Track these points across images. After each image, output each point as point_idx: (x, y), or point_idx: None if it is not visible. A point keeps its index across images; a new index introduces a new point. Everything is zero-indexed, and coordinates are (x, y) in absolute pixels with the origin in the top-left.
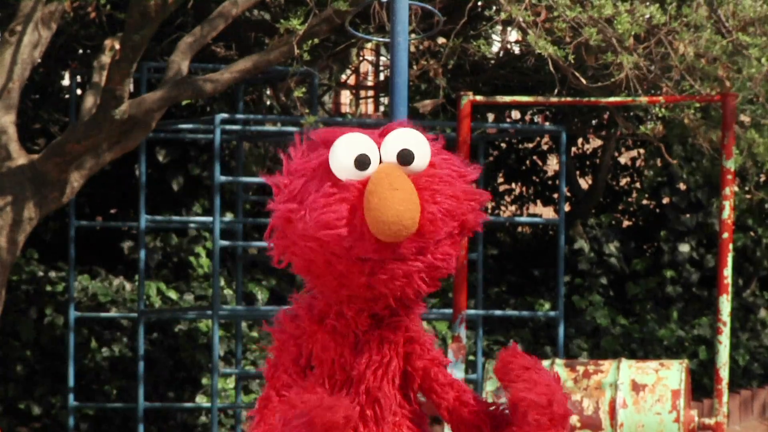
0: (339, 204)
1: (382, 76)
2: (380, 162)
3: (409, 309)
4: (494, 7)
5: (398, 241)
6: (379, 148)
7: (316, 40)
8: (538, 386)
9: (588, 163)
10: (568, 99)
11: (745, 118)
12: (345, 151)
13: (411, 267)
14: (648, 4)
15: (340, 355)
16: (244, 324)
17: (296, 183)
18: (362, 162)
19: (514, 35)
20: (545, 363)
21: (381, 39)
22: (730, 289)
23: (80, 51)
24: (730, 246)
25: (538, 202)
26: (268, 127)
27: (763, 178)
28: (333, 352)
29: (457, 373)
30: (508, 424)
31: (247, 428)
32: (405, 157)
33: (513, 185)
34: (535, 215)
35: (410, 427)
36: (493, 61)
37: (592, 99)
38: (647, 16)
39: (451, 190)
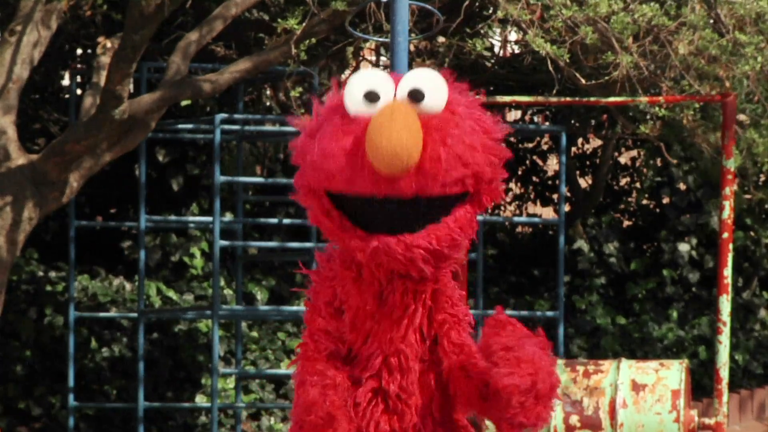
0: (344, 136)
1: None
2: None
3: (426, 277)
4: (491, 8)
5: (395, 174)
6: (396, 87)
7: (314, 40)
8: (521, 366)
9: (588, 163)
10: (568, 99)
11: (744, 118)
12: (357, 86)
13: (413, 253)
14: (645, 3)
15: (364, 302)
16: (244, 324)
17: (316, 121)
18: (371, 97)
19: (513, 35)
20: None
21: (381, 39)
22: (730, 289)
23: (80, 51)
24: (730, 246)
25: (538, 202)
26: (268, 127)
27: (762, 178)
28: (357, 300)
29: None
30: (495, 396)
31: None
32: (415, 95)
33: (513, 185)
34: (534, 215)
35: (436, 375)
36: (491, 61)
37: (592, 99)
38: (646, 15)
39: (468, 138)
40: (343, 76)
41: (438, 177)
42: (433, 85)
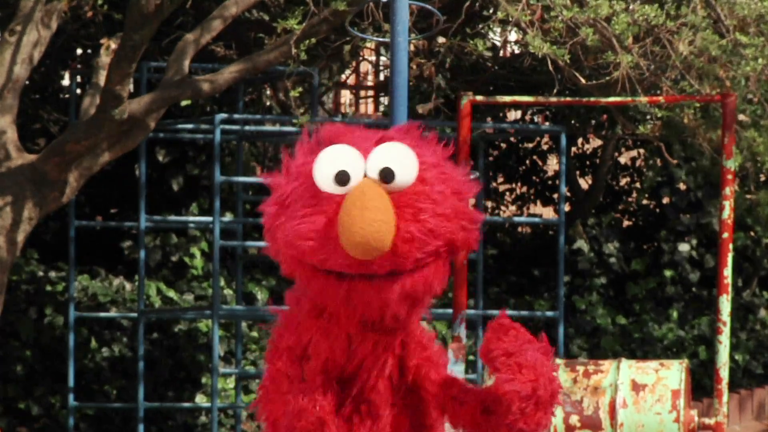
0: (316, 216)
1: (382, 76)
2: (365, 176)
3: (401, 321)
4: (491, 9)
5: (369, 258)
6: (365, 161)
7: (314, 40)
8: (522, 372)
9: (588, 163)
10: (568, 99)
11: (744, 118)
12: (327, 166)
13: (388, 295)
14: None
15: (332, 353)
16: (244, 324)
17: (286, 186)
18: (342, 179)
19: (513, 35)
20: None
21: (381, 39)
22: (730, 289)
23: (80, 51)
24: (730, 246)
25: (538, 202)
26: (268, 127)
27: (763, 177)
28: (325, 351)
29: (457, 372)
30: (497, 406)
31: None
32: (385, 175)
33: (513, 185)
34: (535, 215)
35: (411, 417)
36: (491, 61)
37: (592, 99)
38: (646, 15)
39: (439, 207)
40: (343, 76)
41: (412, 255)
42: (403, 162)
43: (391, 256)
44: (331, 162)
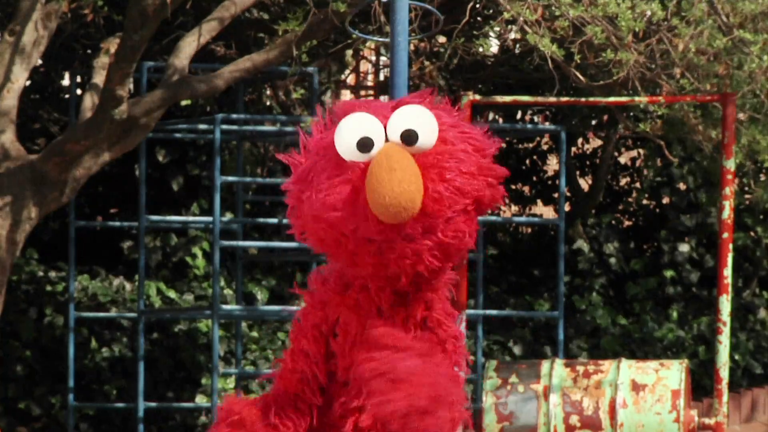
0: (342, 185)
1: (382, 76)
2: (386, 141)
3: (434, 283)
4: (492, 9)
5: (401, 221)
6: (385, 128)
7: (314, 41)
8: (397, 390)
9: (588, 163)
10: (568, 99)
11: (744, 116)
12: (348, 134)
13: (420, 246)
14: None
15: (362, 329)
16: (244, 324)
17: (308, 162)
18: (365, 144)
19: (513, 34)
20: (545, 363)
21: (381, 39)
22: (730, 289)
23: (80, 51)
24: (730, 246)
25: (539, 202)
26: (268, 127)
27: (762, 177)
28: (355, 326)
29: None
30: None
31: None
32: (408, 138)
33: (513, 185)
34: (535, 215)
35: None
36: (492, 60)
37: (592, 99)
38: (648, 13)
39: (464, 166)
40: (343, 76)
41: (442, 215)
42: (424, 123)
43: (422, 217)
44: (352, 130)
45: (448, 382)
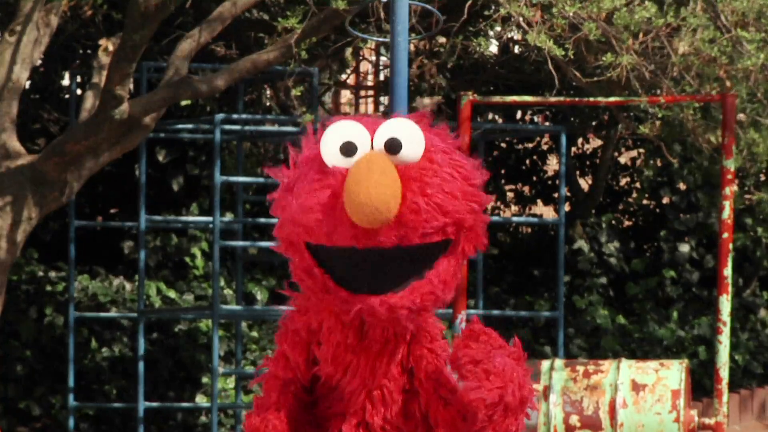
0: (322, 190)
1: (382, 76)
2: (372, 149)
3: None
4: (493, 7)
5: (374, 226)
6: (372, 137)
7: (314, 40)
8: (489, 380)
9: (588, 163)
10: (568, 99)
11: (743, 117)
12: (333, 137)
13: (398, 314)
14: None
15: (345, 337)
16: (244, 324)
17: (293, 174)
18: (348, 149)
19: (512, 33)
20: (545, 363)
21: (381, 39)
22: (730, 289)
23: (80, 51)
24: (730, 246)
25: (539, 202)
26: (268, 127)
27: (762, 177)
28: (339, 336)
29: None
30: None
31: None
32: (392, 146)
33: (513, 185)
34: (535, 215)
35: (419, 404)
36: (492, 61)
37: (592, 99)
38: (649, 12)
39: (447, 186)
40: (343, 76)
41: (418, 227)
42: (410, 135)
43: (398, 226)
44: (337, 133)
45: (532, 389)
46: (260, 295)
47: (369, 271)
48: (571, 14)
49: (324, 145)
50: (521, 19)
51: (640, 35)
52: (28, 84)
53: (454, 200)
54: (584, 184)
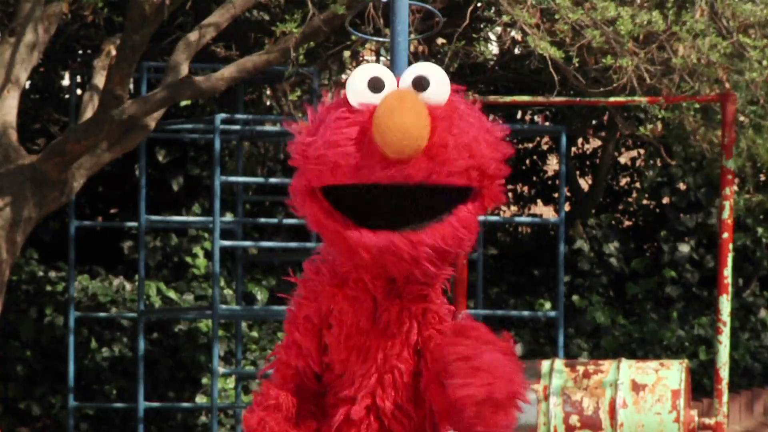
0: (350, 126)
1: None
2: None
3: (431, 277)
4: (494, 9)
5: (404, 157)
6: (398, 82)
7: (313, 43)
8: (477, 376)
9: (588, 163)
10: (568, 99)
11: (744, 119)
12: (360, 75)
13: (419, 252)
14: (648, 8)
15: (358, 320)
16: (244, 324)
17: (317, 116)
18: (376, 85)
19: (513, 34)
20: (545, 363)
21: (381, 39)
22: (730, 289)
23: (80, 51)
24: (730, 246)
25: (539, 202)
26: (268, 127)
27: (762, 178)
28: (351, 317)
29: None
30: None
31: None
32: (419, 83)
33: (513, 185)
34: (535, 215)
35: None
36: (492, 62)
37: (592, 99)
38: (647, 21)
39: (472, 130)
40: (343, 76)
41: (446, 163)
42: (437, 76)
43: (426, 160)
44: (364, 72)
45: (522, 382)
46: (260, 296)
47: (391, 209)
48: (572, 20)
49: (351, 84)
50: (521, 22)
51: (641, 39)
52: (28, 84)
53: (479, 144)
54: (584, 184)
